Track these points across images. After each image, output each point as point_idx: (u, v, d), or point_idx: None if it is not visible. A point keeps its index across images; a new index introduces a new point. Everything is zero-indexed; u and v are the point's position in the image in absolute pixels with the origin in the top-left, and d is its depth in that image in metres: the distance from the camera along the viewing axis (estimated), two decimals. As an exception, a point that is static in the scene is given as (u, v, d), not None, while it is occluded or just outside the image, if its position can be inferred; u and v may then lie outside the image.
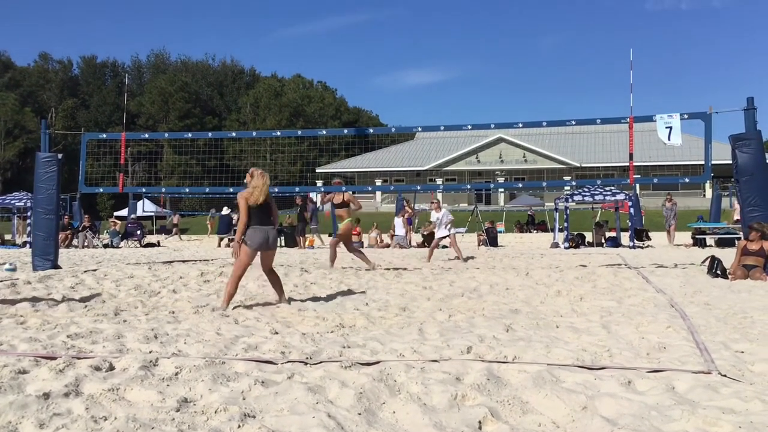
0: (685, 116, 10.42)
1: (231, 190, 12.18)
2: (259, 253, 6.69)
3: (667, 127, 10.20)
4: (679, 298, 7.18)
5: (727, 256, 10.93)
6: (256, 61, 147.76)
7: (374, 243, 23.22)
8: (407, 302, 7.08)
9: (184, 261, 13.39)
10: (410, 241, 22.28)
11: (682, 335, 4.97)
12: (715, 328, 5.35)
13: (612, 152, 52.60)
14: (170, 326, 5.43)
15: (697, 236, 20.60)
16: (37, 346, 4.56)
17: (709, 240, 20.16)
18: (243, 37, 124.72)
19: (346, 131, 15.28)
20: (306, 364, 4.07)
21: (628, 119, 10.61)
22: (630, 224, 20.89)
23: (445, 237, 14.57)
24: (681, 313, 5.97)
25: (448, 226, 14.35)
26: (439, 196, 48.63)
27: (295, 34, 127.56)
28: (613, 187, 22.21)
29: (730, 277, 9.43)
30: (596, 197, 21.93)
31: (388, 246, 21.92)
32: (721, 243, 19.24)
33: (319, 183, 53.70)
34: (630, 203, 21.39)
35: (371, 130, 16.61)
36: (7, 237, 24.36)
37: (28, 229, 20.26)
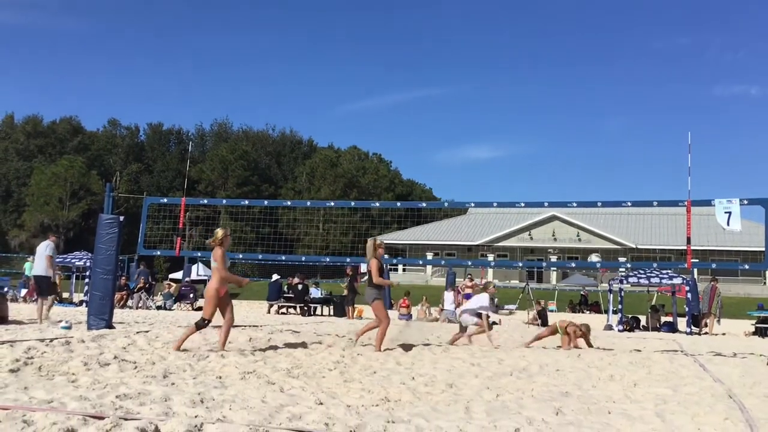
0: (745, 202, 10.23)
1: (283, 258, 12.32)
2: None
3: (726, 212, 10.01)
4: (737, 389, 6.89)
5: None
6: (315, 132, 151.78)
7: (422, 316, 23.03)
8: (454, 378, 6.97)
9: (234, 326, 13.46)
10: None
11: (740, 428, 4.76)
12: (777, 422, 5.11)
13: (669, 235, 51.56)
14: (216, 391, 5.45)
15: (758, 325, 19.94)
16: (87, 405, 4.62)
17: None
18: (303, 110, 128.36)
19: (399, 204, 15.43)
20: (349, 437, 4.02)
21: (686, 203, 10.47)
22: (687, 309, 20.35)
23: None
24: (740, 405, 5.73)
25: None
26: (490, 271, 48.63)
27: (354, 109, 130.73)
28: (669, 271, 21.70)
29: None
30: (652, 280, 21.45)
31: (436, 320, 21.69)
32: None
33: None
34: (687, 288, 20.85)
35: (424, 204, 16.78)
36: (65, 295, 24.95)
37: (86, 288, 20.64)
